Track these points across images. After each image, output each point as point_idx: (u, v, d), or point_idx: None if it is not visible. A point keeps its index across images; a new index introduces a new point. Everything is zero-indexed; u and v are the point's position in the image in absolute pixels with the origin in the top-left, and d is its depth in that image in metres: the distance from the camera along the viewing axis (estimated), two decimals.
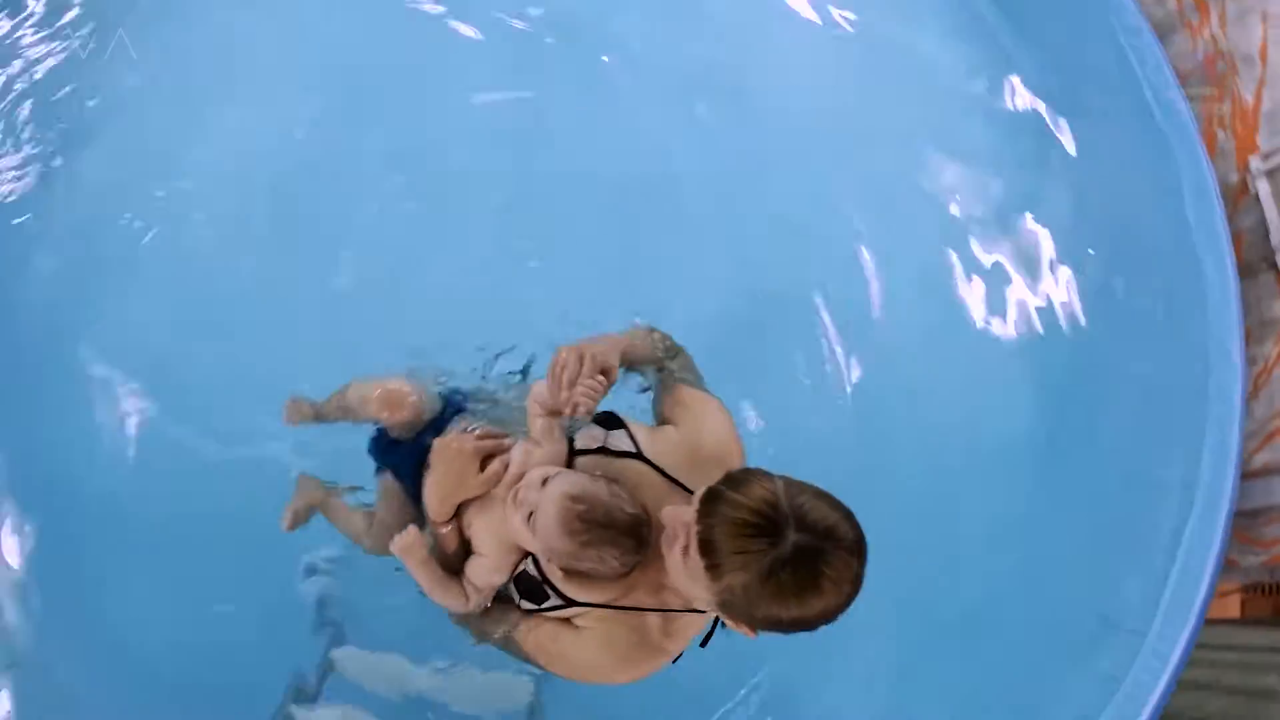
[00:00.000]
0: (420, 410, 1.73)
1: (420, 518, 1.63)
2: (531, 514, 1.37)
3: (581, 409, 1.41)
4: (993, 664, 2.41)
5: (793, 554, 1.13)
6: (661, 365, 1.67)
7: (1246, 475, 2.96)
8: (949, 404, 2.76)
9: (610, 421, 1.57)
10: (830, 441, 2.61)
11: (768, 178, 2.92)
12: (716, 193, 2.84)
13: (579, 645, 1.46)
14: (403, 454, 1.73)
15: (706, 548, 1.17)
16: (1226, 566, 3.09)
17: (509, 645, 1.58)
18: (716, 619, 1.41)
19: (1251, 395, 2.94)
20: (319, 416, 1.81)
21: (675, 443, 1.53)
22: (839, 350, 2.77)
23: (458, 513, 1.56)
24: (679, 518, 1.24)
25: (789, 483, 1.20)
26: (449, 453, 1.54)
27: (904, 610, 2.12)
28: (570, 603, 1.44)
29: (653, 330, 1.70)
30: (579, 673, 1.51)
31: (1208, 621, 3.39)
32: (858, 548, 1.18)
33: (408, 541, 1.53)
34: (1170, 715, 3.42)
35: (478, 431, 1.58)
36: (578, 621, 1.46)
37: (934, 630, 2.36)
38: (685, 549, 1.21)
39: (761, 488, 1.18)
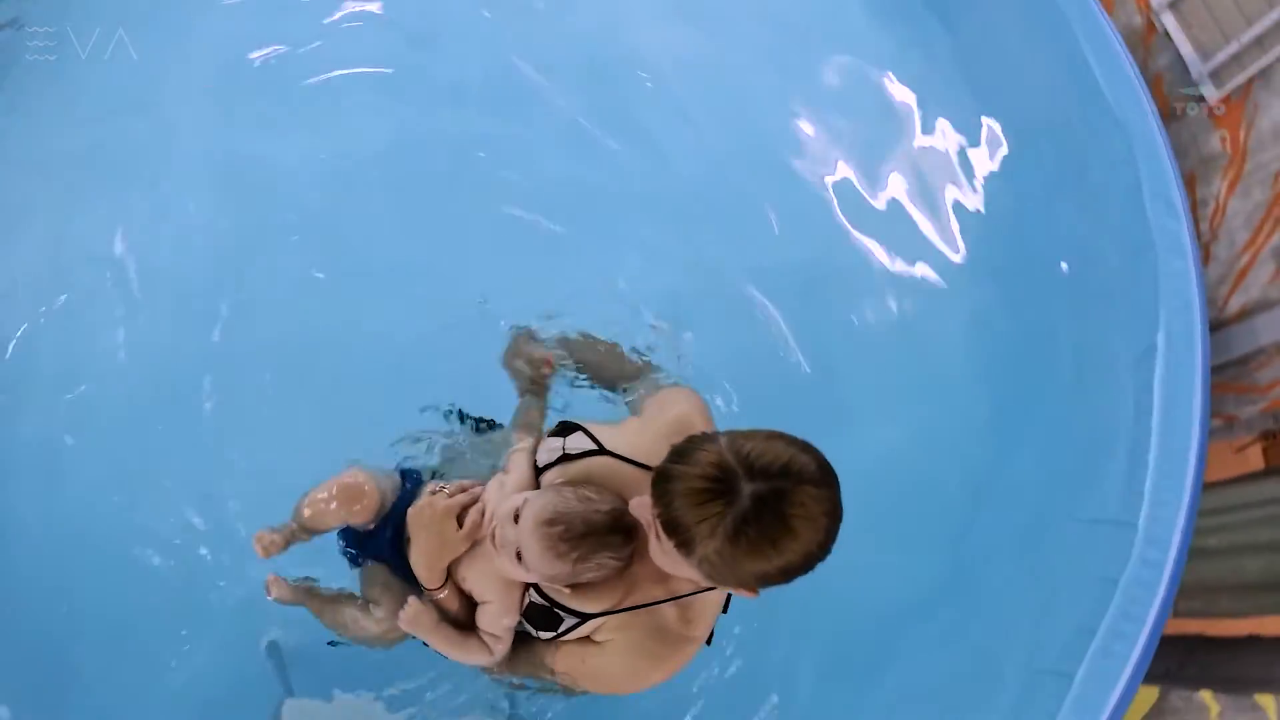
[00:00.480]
0: (382, 494, 1.64)
1: (414, 591, 1.58)
2: (518, 551, 1.34)
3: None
4: (984, 587, 2.22)
5: (753, 505, 1.08)
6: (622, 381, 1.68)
7: (1225, 323, 2.78)
8: (889, 318, 2.59)
9: (566, 428, 1.53)
10: (787, 400, 2.41)
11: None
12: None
13: (607, 657, 1.42)
14: (379, 539, 1.65)
15: (670, 527, 1.13)
16: (1228, 424, 2.89)
17: (545, 681, 1.56)
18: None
19: (1211, 239, 2.75)
20: (289, 540, 1.66)
21: (636, 429, 1.50)
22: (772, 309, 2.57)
23: (449, 573, 1.52)
24: (644, 506, 1.20)
25: (733, 436, 1.15)
26: (424, 518, 1.50)
27: (880, 524, 1.91)
28: (585, 617, 1.41)
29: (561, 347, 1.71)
30: (617, 684, 1.47)
31: (1230, 481, 3.21)
32: (822, 477, 1.13)
33: (412, 612, 1.49)
34: (1210, 585, 3.24)
35: (447, 489, 1.54)
36: (597, 636, 1.43)
37: (922, 558, 2.16)
38: (656, 534, 1.18)
39: (705, 451, 1.12)
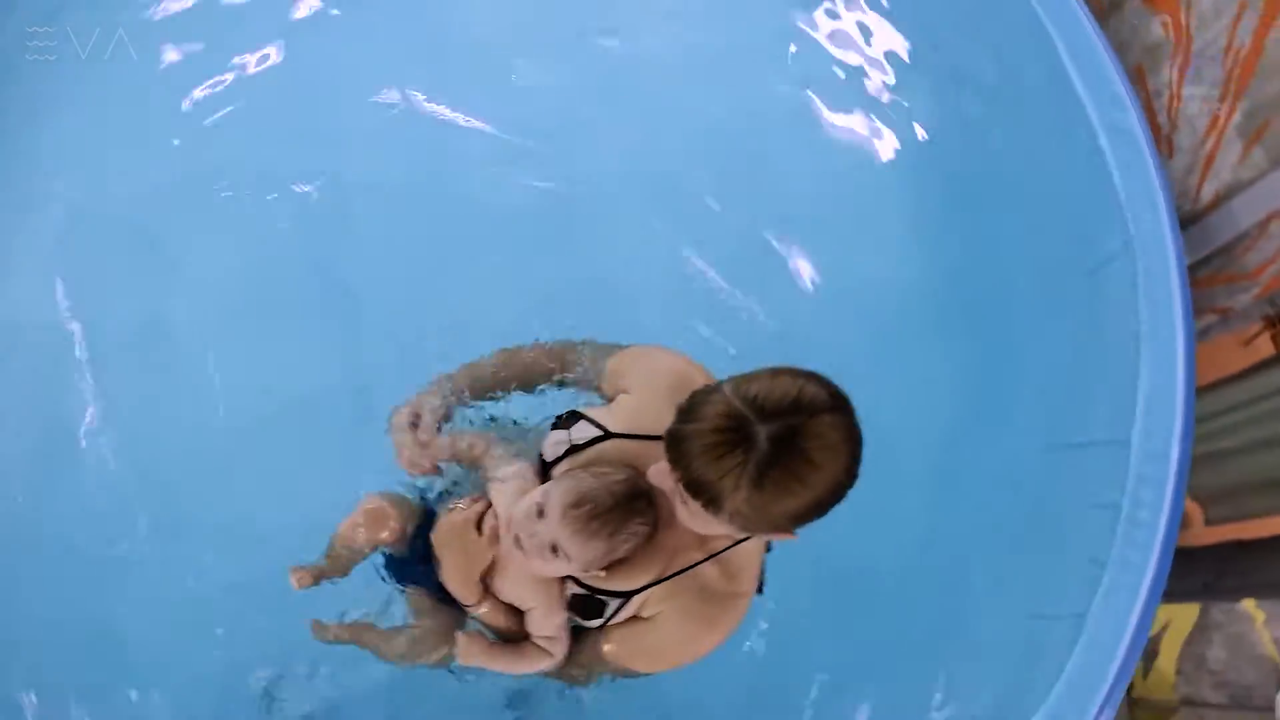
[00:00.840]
0: (404, 517, 1.62)
1: (458, 614, 1.59)
2: (554, 546, 1.31)
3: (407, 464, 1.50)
4: (976, 531, 2.07)
5: (771, 448, 1.06)
6: (559, 372, 1.62)
7: (1202, 213, 2.62)
8: (842, 267, 2.46)
9: (569, 419, 1.50)
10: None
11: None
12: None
13: (659, 630, 1.40)
14: (411, 565, 1.64)
15: (694, 488, 1.11)
16: (1224, 317, 2.72)
17: (604, 670, 1.52)
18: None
19: (1171, 129, 2.58)
20: (323, 576, 1.64)
21: (635, 405, 1.47)
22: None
23: (486, 586, 1.50)
24: (663, 472, 1.18)
25: (736, 381, 1.13)
26: (445, 535, 1.48)
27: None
28: (628, 595, 1.39)
29: (536, 345, 1.66)
30: (674, 655, 1.43)
31: (1240, 375, 3.03)
32: (834, 404, 1.11)
33: (464, 646, 1.49)
34: (1236, 487, 3.06)
35: (462, 503, 1.51)
36: (645, 612, 1.41)
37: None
38: (682, 498, 1.16)
39: (711, 403, 1.10)
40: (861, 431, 1.12)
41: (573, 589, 1.45)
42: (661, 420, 1.25)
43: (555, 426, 1.51)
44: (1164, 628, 2.91)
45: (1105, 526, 1.80)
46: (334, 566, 1.65)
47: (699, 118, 2.53)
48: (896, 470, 1.82)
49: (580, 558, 1.32)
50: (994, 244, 2.35)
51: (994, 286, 2.30)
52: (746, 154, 2.53)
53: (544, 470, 1.51)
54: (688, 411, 1.12)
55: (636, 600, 1.40)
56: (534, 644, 1.51)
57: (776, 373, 1.13)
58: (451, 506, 1.52)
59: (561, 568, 1.35)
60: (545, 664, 1.50)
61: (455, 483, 1.71)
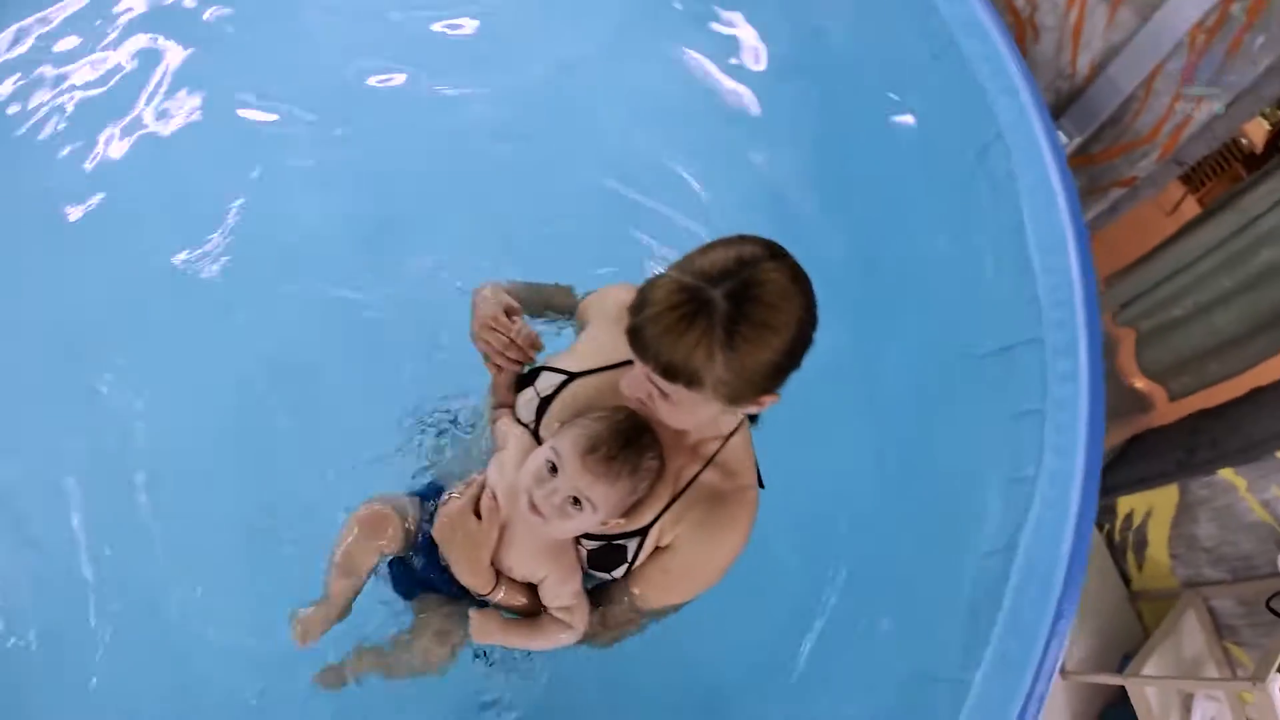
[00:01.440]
0: (402, 515, 1.49)
1: (474, 604, 1.46)
2: (575, 498, 1.23)
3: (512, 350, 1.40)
4: (899, 467, 1.93)
5: (731, 305, 1.04)
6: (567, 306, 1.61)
7: (1083, 88, 2.45)
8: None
9: (529, 376, 1.45)
10: None
11: None
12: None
13: (684, 552, 1.34)
14: (421, 568, 1.51)
15: (670, 371, 1.07)
16: (1131, 189, 2.56)
17: (639, 621, 1.45)
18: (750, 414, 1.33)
19: (1032, 10, 2.44)
20: (328, 617, 1.48)
21: (593, 340, 1.42)
22: None
23: (497, 569, 1.41)
24: (633, 379, 1.16)
25: (675, 264, 1.11)
26: (446, 527, 1.38)
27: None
28: (644, 531, 1.33)
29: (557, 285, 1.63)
30: (705, 570, 1.36)
31: (1172, 241, 2.89)
32: (775, 252, 1.10)
33: (477, 623, 1.39)
34: (1193, 355, 2.91)
35: (455, 490, 1.42)
36: (664, 541, 1.34)
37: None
38: (661, 394, 1.13)
39: (659, 288, 1.07)
40: (803, 270, 1.12)
41: (587, 545, 1.37)
42: (620, 347, 1.21)
43: (519, 388, 1.45)
44: (1148, 514, 2.78)
45: (1029, 436, 1.64)
46: (337, 599, 1.49)
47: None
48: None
49: (606, 503, 1.25)
50: (868, 150, 2.20)
51: (874, 189, 2.16)
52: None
53: (532, 433, 1.43)
54: (640, 304, 1.09)
55: (653, 533, 1.33)
56: (552, 617, 1.42)
57: (709, 246, 1.11)
58: (445, 498, 1.43)
59: (584, 521, 1.27)
60: (566, 636, 1.41)
61: (450, 469, 1.61)
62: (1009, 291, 1.84)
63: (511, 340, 1.41)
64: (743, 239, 1.11)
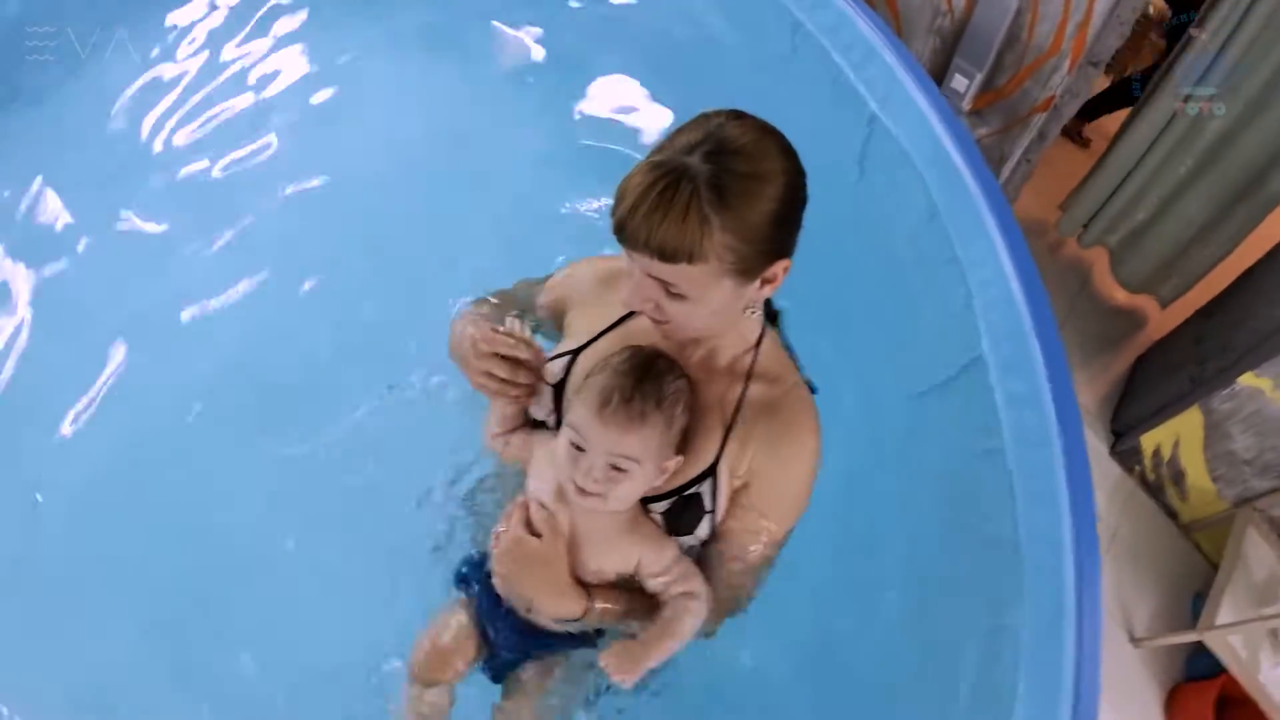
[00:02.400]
0: (459, 632, 1.29)
1: (581, 645, 1.29)
2: (614, 463, 1.09)
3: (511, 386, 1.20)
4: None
5: (711, 165, 0.95)
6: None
7: (964, 20, 2.10)
8: None
9: None
10: None
11: None
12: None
13: (764, 480, 1.17)
14: (502, 640, 1.30)
15: (667, 253, 0.96)
16: (1053, 112, 2.20)
17: (753, 567, 1.23)
18: (767, 313, 1.24)
19: None
20: None
21: (582, 316, 1.30)
22: None
23: (582, 585, 1.21)
24: (634, 287, 1.04)
25: (645, 157, 1.01)
26: (507, 562, 1.20)
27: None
28: (713, 470, 1.17)
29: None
30: (795, 492, 1.19)
31: (1111, 152, 2.53)
32: (736, 112, 1.02)
33: (618, 662, 1.13)
34: (1175, 255, 2.56)
35: (500, 527, 1.24)
36: (738, 477, 1.18)
37: None
38: (668, 292, 1.02)
39: (634, 175, 0.97)
40: (766, 121, 1.03)
41: (659, 508, 1.20)
42: (612, 308, 1.18)
43: None
44: (1176, 444, 2.45)
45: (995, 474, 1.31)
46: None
47: None
48: None
49: (647, 449, 1.10)
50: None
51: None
52: None
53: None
54: (618, 198, 1.00)
55: (722, 472, 1.17)
56: (674, 599, 1.21)
57: (673, 133, 1.02)
58: (494, 537, 1.24)
59: (639, 479, 1.11)
60: (698, 605, 1.19)
61: (472, 556, 1.36)
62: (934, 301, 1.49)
63: (517, 361, 1.20)
64: (702, 115, 1.02)
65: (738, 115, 1.02)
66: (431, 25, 2.35)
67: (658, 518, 1.20)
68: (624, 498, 1.13)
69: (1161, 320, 2.73)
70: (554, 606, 1.20)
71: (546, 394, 1.23)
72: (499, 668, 1.32)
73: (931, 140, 1.58)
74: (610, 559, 1.21)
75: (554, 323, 1.37)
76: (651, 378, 1.11)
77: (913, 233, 1.62)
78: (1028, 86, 2.15)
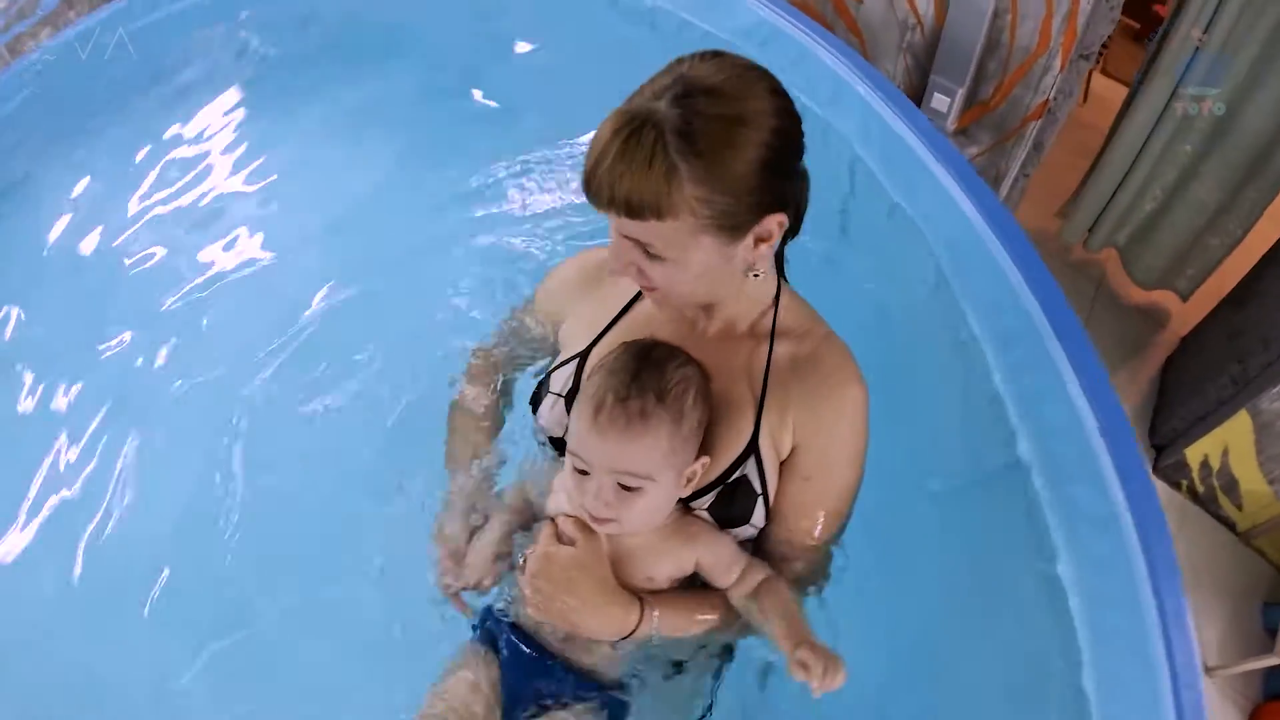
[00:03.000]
0: (478, 688, 1.06)
1: (652, 672, 1.08)
2: (622, 483, 0.92)
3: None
4: None
5: (679, 108, 0.84)
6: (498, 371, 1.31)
7: (937, 30, 1.83)
8: None
9: (541, 387, 1.15)
10: None
11: None
12: None
13: (814, 444, 1.00)
14: (544, 687, 1.07)
15: (633, 208, 0.85)
16: (1049, 117, 1.93)
17: (819, 537, 1.06)
18: (778, 269, 1.08)
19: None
20: None
21: (577, 316, 1.16)
22: None
23: (633, 595, 1.01)
24: (612, 250, 0.93)
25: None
26: (542, 579, 1.01)
27: None
28: (753, 447, 0.99)
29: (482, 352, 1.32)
30: (850, 449, 1.02)
31: (1114, 134, 2.26)
32: (709, 51, 0.90)
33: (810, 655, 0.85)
34: (1190, 245, 2.30)
35: (528, 550, 1.04)
36: (783, 446, 1.01)
37: None
38: (646, 253, 0.90)
39: (601, 126, 0.87)
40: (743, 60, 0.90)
41: (704, 504, 1.03)
42: (608, 305, 1.10)
43: (534, 404, 1.17)
44: (1225, 453, 2.20)
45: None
46: None
47: None
48: None
49: (655, 457, 0.93)
50: None
51: None
52: None
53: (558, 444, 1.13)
54: (588, 153, 0.88)
55: (764, 444, 1.02)
56: (759, 586, 1.00)
57: (647, 80, 0.90)
58: (521, 560, 1.05)
59: (657, 497, 0.95)
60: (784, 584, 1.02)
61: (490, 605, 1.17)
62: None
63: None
64: (675, 59, 0.91)
65: (715, 54, 0.90)
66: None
67: (704, 514, 1.04)
68: (644, 519, 0.97)
69: (1185, 314, 2.48)
70: (601, 619, 1.00)
71: (558, 408, 1.09)
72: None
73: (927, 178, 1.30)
74: (661, 566, 1.03)
75: (557, 343, 1.24)
76: (649, 367, 0.95)
77: (912, 304, 1.34)
78: (1017, 94, 1.88)
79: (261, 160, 2.04)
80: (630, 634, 0.99)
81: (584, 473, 0.95)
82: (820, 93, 1.48)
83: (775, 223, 0.91)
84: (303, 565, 1.41)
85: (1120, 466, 0.99)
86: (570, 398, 1.08)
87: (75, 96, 2.02)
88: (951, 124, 1.94)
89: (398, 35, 2.17)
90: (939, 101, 1.88)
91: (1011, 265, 1.16)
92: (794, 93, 0.92)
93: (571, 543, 1.01)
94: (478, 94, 2.13)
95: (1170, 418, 2.37)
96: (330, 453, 1.54)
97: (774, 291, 1.06)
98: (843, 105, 1.46)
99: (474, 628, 1.13)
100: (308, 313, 1.75)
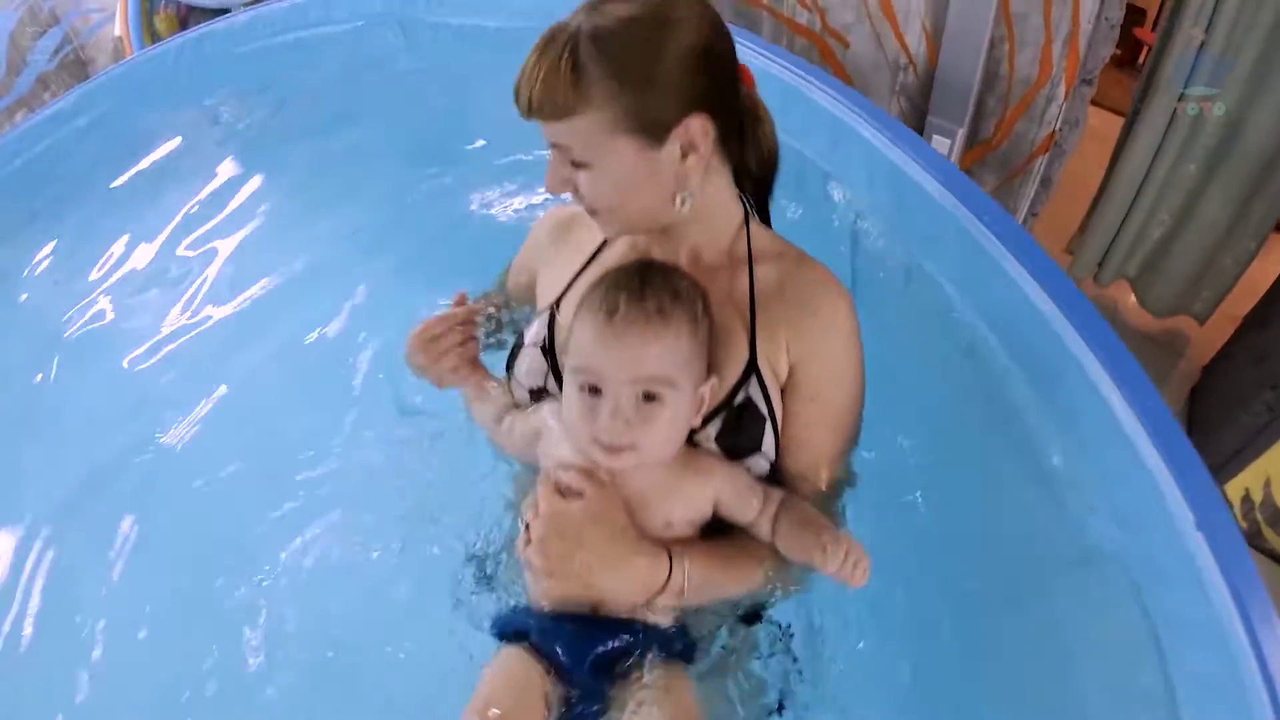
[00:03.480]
0: (534, 680, 0.91)
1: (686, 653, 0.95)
2: (640, 393, 0.86)
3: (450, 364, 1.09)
4: None
5: (589, 15, 0.86)
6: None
7: (930, 68, 1.69)
8: None
9: (518, 344, 1.11)
10: None
11: None
12: None
13: (812, 360, 0.98)
14: (587, 670, 0.92)
15: (542, 108, 0.87)
16: (1056, 149, 1.79)
17: (833, 456, 1.01)
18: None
19: (820, 12, 1.65)
20: None
21: (551, 265, 1.15)
22: None
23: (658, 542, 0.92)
24: (549, 170, 0.94)
25: None
26: (549, 543, 0.90)
27: None
28: (753, 368, 0.96)
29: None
30: (847, 360, 0.99)
31: (1117, 159, 2.13)
32: None
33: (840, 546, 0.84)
34: (1200, 269, 2.17)
35: (526, 518, 0.94)
36: (781, 369, 0.98)
37: None
38: (572, 163, 0.91)
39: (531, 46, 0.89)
40: None
41: (711, 433, 0.95)
42: (578, 254, 1.09)
43: (510, 366, 1.11)
44: (1266, 484, 2.05)
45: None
46: None
47: None
48: None
49: (678, 359, 0.86)
50: None
51: None
52: None
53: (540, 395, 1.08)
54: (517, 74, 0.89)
55: (763, 366, 0.96)
56: (764, 527, 0.95)
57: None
58: (523, 532, 0.94)
59: (676, 411, 0.88)
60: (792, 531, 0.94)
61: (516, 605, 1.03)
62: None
63: (448, 328, 1.09)
64: None
65: None
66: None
67: (713, 447, 0.97)
68: (664, 440, 0.90)
69: (1205, 339, 2.34)
70: (626, 575, 0.92)
71: (536, 359, 1.06)
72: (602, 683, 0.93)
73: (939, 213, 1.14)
74: (678, 507, 0.95)
75: (525, 302, 1.24)
76: (654, 273, 0.91)
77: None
78: (1020, 128, 1.74)
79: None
80: (661, 590, 0.91)
81: (595, 393, 0.88)
82: (817, 139, 1.33)
83: (698, 127, 0.88)
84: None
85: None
86: (545, 348, 1.05)
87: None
88: None
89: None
90: (939, 144, 1.75)
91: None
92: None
93: (577, 496, 0.92)
94: None
95: (1204, 453, 2.20)
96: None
97: (739, 218, 1.03)
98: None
99: (497, 637, 0.98)
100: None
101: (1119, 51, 3.13)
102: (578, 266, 1.10)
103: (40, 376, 1.73)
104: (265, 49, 2.15)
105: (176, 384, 1.66)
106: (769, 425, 0.97)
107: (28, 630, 1.33)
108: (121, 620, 1.30)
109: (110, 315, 1.83)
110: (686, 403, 0.89)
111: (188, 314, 1.80)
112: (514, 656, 0.94)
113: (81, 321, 1.82)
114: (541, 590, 0.94)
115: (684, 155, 0.90)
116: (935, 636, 1.06)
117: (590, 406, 0.88)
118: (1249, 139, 2.08)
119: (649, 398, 0.87)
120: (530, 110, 0.88)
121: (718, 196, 0.99)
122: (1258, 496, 2.14)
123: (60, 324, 1.82)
